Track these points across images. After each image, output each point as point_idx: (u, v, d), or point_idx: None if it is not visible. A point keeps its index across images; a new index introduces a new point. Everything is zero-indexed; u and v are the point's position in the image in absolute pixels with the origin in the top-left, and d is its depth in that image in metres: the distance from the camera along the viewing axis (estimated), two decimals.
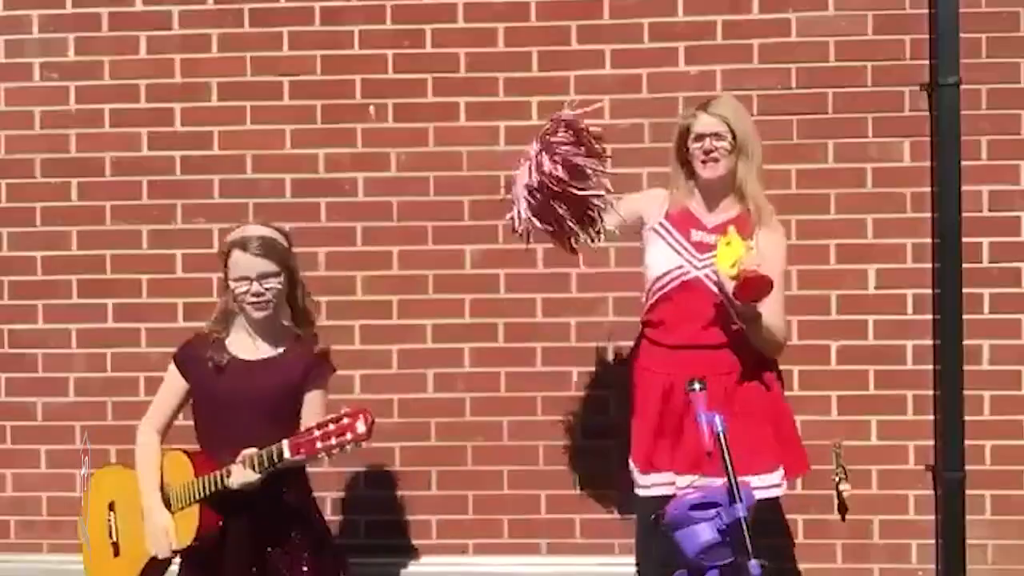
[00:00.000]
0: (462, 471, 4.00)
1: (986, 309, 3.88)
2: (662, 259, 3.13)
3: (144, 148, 4.07)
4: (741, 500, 2.55)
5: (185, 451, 2.92)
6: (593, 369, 3.94)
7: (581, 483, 3.96)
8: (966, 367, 3.81)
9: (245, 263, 2.87)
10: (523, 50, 3.97)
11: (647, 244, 3.19)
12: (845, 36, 3.89)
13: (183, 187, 4.06)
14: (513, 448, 3.97)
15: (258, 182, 4.04)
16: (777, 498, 3.25)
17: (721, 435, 2.60)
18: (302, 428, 2.81)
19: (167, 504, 2.90)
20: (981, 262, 3.87)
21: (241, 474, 2.75)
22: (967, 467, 3.81)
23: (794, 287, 3.91)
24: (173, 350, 4.00)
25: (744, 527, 2.52)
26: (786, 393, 3.88)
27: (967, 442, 3.81)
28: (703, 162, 3.09)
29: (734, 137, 3.06)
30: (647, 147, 3.89)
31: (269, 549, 2.91)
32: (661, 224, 3.16)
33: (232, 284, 2.89)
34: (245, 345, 2.96)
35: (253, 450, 2.76)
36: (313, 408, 2.93)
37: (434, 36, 4.00)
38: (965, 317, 3.80)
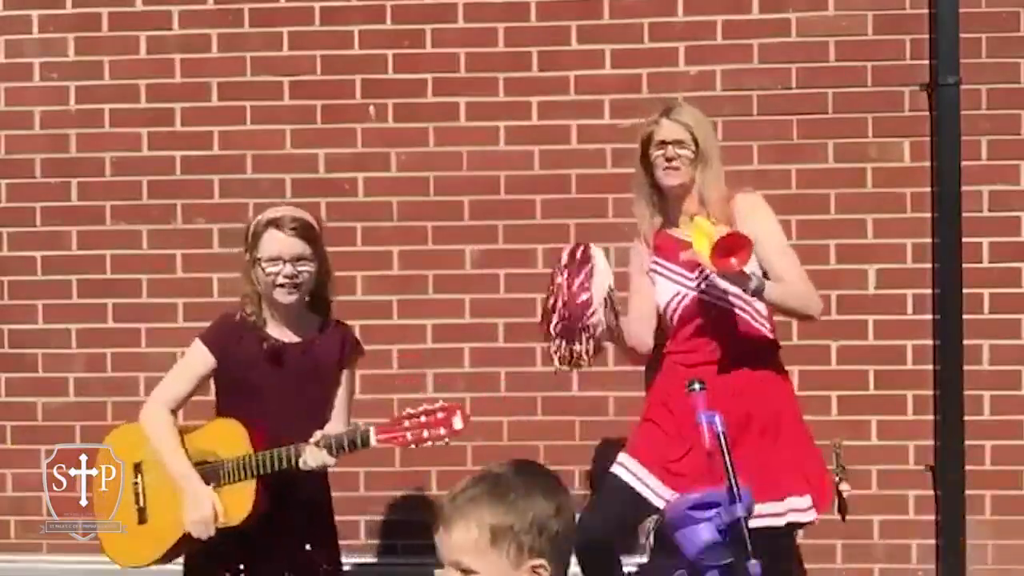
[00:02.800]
0: (462, 471, 3.96)
1: (986, 309, 3.88)
2: (663, 293, 3.08)
3: (144, 148, 4.07)
4: (741, 500, 2.54)
5: (238, 420, 2.77)
6: (593, 370, 3.93)
7: (580, 483, 3.95)
8: (966, 367, 3.81)
9: (280, 243, 2.75)
10: (523, 50, 3.97)
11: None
12: (845, 36, 3.89)
13: (183, 187, 4.06)
14: (513, 448, 3.97)
15: (258, 182, 4.04)
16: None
17: (721, 435, 2.60)
18: (335, 415, 2.81)
19: (213, 477, 2.73)
20: (981, 262, 3.87)
21: (317, 455, 2.63)
22: (967, 467, 3.81)
23: None
24: (173, 350, 4.04)
25: (744, 527, 2.52)
26: None
27: (967, 442, 3.81)
28: (665, 169, 3.03)
29: (696, 145, 3.01)
30: None
31: (304, 544, 2.82)
32: (654, 262, 3.12)
33: (264, 264, 2.75)
34: (278, 329, 2.85)
35: (326, 432, 2.66)
36: (346, 391, 2.90)
37: (434, 36, 4.00)
38: (965, 317, 3.80)
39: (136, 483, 2.86)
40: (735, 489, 2.56)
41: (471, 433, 3.93)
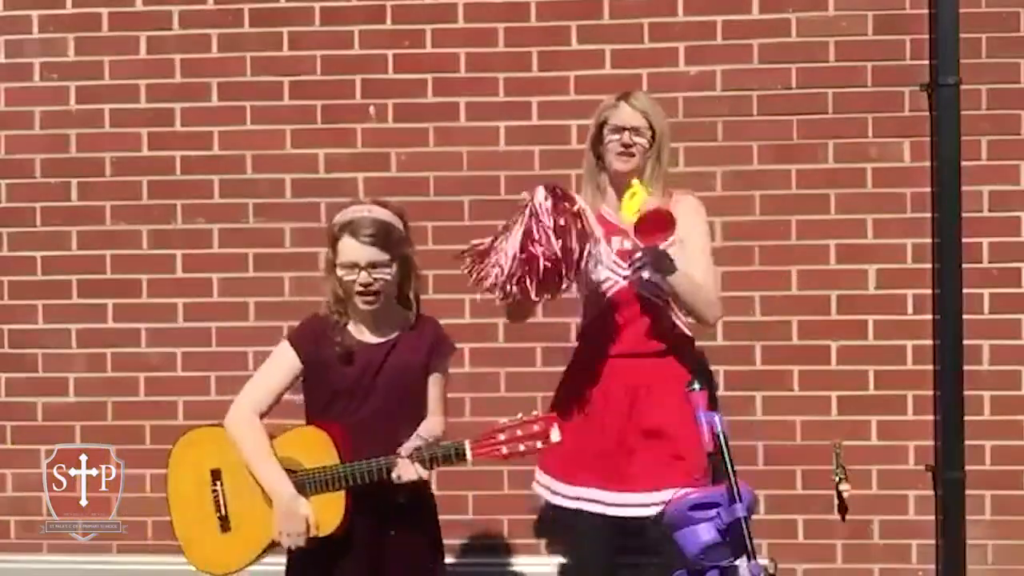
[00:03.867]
0: (462, 471, 3.96)
1: (986, 309, 3.88)
2: (590, 274, 3.01)
3: (144, 148, 4.07)
4: (741, 500, 2.55)
5: (321, 427, 2.69)
6: None
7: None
8: (966, 367, 3.81)
9: (355, 251, 2.66)
10: (523, 50, 3.97)
11: None
12: (845, 36, 3.89)
13: (183, 187, 4.06)
14: None
15: (258, 182, 4.04)
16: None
17: (721, 435, 2.60)
18: (430, 413, 2.75)
19: (300, 488, 2.64)
20: (981, 262, 3.87)
21: (411, 470, 2.56)
22: (967, 467, 3.81)
23: (794, 287, 3.91)
24: (174, 350, 4.05)
25: (744, 527, 2.52)
26: (785, 393, 3.91)
27: (967, 442, 3.81)
28: (619, 154, 3.01)
29: (653, 135, 3.01)
30: None
31: (391, 548, 2.73)
32: None
33: (339, 271, 2.69)
34: (364, 329, 2.77)
35: (418, 442, 2.60)
36: (437, 390, 2.81)
37: (434, 36, 4.00)
38: (965, 317, 3.80)
39: (215, 491, 2.74)
40: (735, 489, 2.56)
41: (472, 434, 3.96)
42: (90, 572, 3.96)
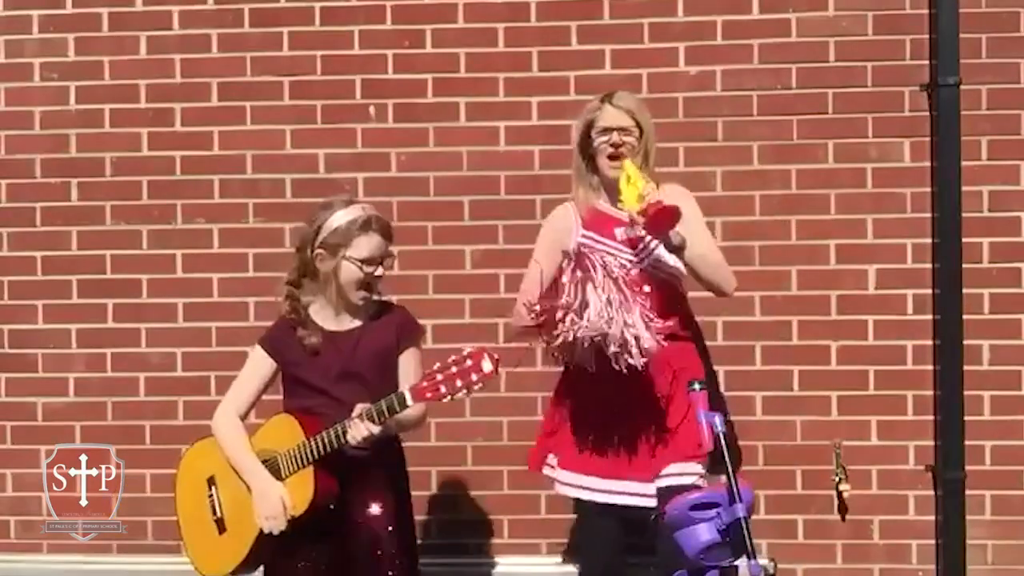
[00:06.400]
0: (463, 471, 4.00)
1: (986, 309, 3.87)
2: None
3: (144, 148, 4.07)
4: (741, 500, 2.55)
5: (290, 413, 2.85)
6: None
7: None
8: (966, 367, 3.81)
9: (380, 246, 2.86)
10: (523, 50, 3.97)
11: None
12: (845, 36, 3.89)
13: (183, 187, 4.06)
14: (513, 448, 3.96)
15: (258, 182, 4.04)
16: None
17: (722, 435, 2.60)
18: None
19: (274, 472, 2.81)
20: (981, 262, 3.87)
21: (361, 428, 2.69)
22: (967, 467, 3.80)
23: (794, 287, 3.91)
24: (174, 350, 4.05)
25: (744, 527, 2.52)
26: (785, 393, 3.91)
27: (967, 442, 3.81)
28: (610, 157, 3.02)
29: (640, 131, 3.03)
30: None
31: (358, 518, 2.86)
32: (584, 236, 3.08)
33: (359, 264, 2.83)
34: (330, 318, 2.92)
35: (366, 404, 2.72)
36: (409, 368, 2.91)
37: (434, 36, 4.00)
38: (965, 317, 3.80)
39: (211, 496, 2.92)
40: (735, 489, 2.56)
41: (471, 434, 3.98)
42: (90, 572, 3.96)
